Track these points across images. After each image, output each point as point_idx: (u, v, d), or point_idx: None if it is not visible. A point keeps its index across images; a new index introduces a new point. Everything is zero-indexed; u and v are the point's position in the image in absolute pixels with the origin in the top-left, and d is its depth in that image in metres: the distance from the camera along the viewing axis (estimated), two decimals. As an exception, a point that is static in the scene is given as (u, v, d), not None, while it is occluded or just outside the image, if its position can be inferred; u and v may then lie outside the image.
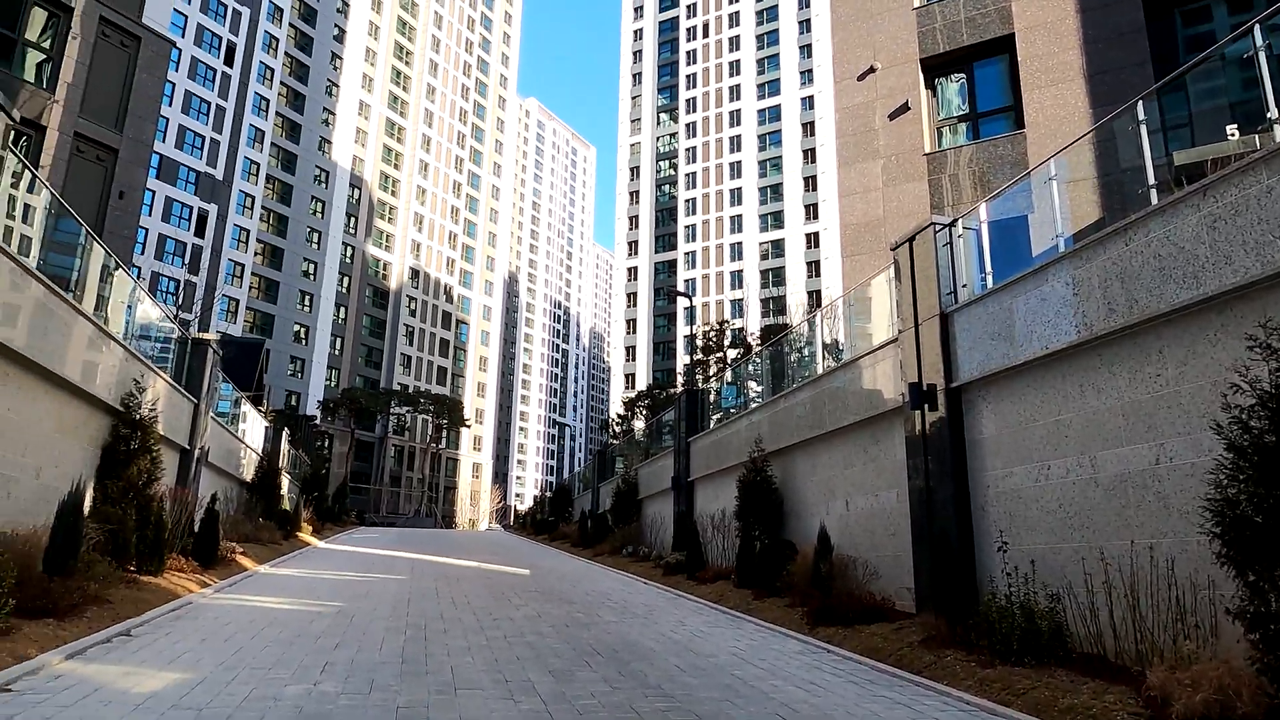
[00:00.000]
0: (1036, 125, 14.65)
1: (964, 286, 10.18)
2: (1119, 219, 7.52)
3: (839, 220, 17.31)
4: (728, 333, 59.55)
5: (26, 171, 10.39)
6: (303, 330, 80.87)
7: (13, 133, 8.77)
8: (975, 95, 16.20)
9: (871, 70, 16.79)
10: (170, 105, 65.02)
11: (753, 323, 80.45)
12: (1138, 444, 7.15)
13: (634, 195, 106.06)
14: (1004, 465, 8.96)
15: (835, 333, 15.75)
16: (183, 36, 67.43)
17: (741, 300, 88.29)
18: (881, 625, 9.55)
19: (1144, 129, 8.54)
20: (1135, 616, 6.63)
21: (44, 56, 19.27)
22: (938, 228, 10.59)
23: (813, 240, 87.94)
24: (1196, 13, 14.86)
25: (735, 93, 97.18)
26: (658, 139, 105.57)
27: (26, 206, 10.49)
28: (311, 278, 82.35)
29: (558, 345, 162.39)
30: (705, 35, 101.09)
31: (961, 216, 10.66)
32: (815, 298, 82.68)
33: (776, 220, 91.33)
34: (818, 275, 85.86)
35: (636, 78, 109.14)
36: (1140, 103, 8.27)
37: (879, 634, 9.19)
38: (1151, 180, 8.48)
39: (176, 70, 66.02)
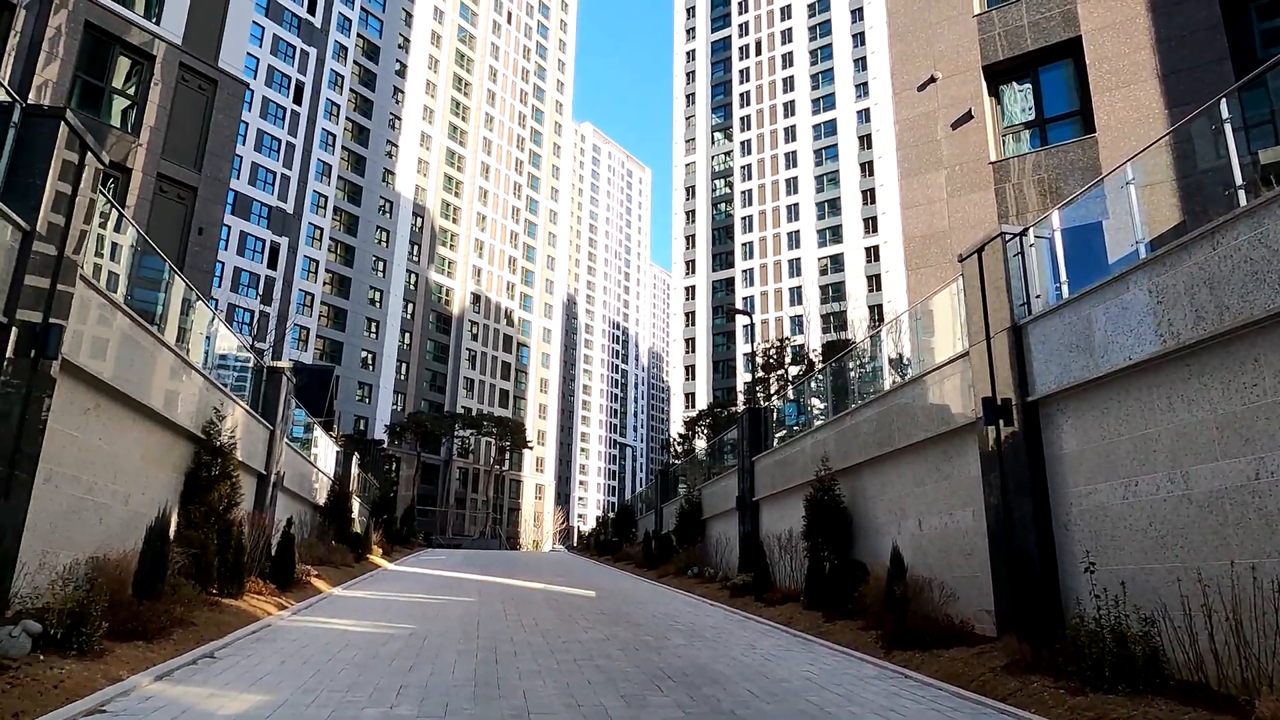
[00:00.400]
0: (1108, 129, 14.18)
1: (1037, 297, 9.87)
2: (1202, 223, 7.19)
3: (902, 233, 17.01)
4: (788, 350, 58.95)
5: (114, 212, 10.93)
6: (369, 356, 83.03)
7: (101, 175, 9.24)
8: (1041, 101, 15.78)
9: (932, 80, 16.52)
10: (244, 143, 67.93)
11: (813, 339, 79.47)
12: (1234, 458, 6.78)
13: (690, 214, 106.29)
14: (1087, 482, 8.60)
15: (900, 347, 15.43)
16: (255, 78, 70.48)
17: (801, 316, 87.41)
18: (961, 649, 9.22)
19: (1228, 128, 8.17)
20: (1239, 642, 6.24)
21: (128, 102, 20.34)
22: (1007, 237, 10.30)
23: (872, 254, 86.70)
24: (1273, 6, 14.26)
25: (790, 109, 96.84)
26: (713, 158, 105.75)
27: (114, 244, 11.03)
28: (377, 305, 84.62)
29: (617, 366, 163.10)
30: (758, 53, 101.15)
31: (1032, 225, 10.35)
32: (877, 312, 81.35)
33: (835, 235, 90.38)
34: (878, 289, 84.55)
35: (690, 98, 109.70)
36: (1223, 101, 7.91)
37: (959, 659, 8.87)
38: (1238, 180, 8.10)
39: (249, 110, 68.98)
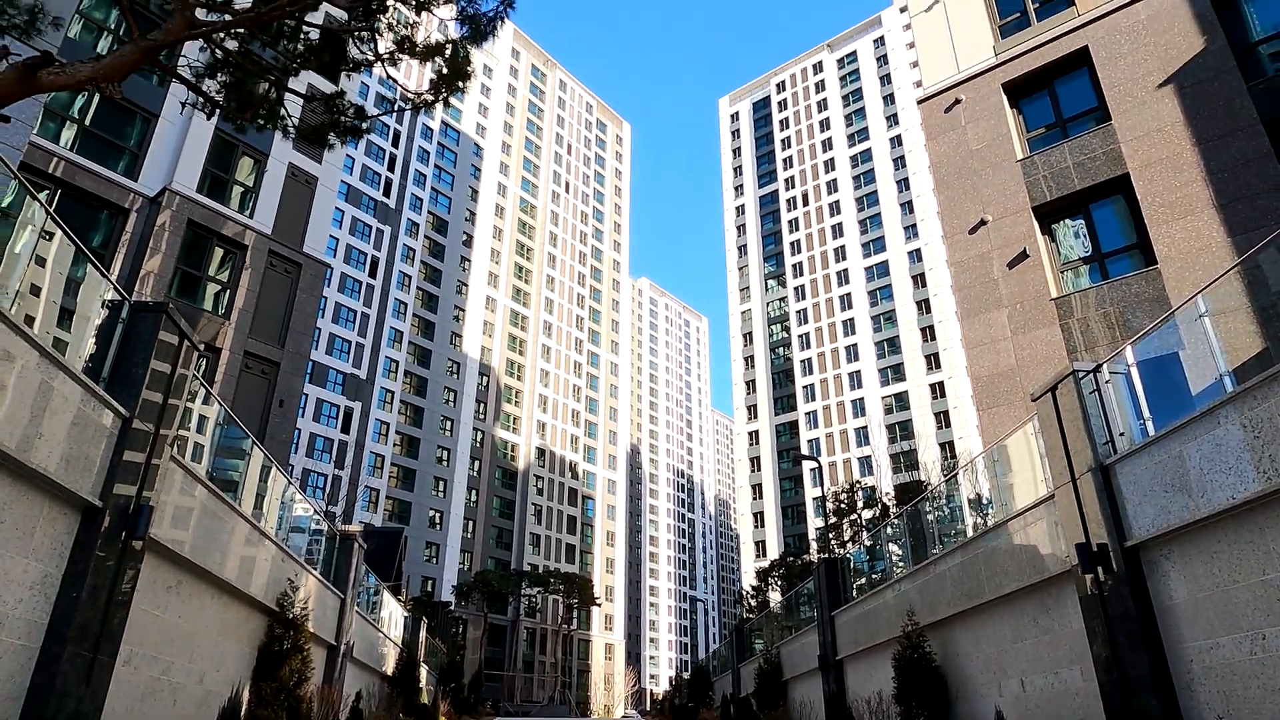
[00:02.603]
0: (1170, 260, 14.06)
1: (1121, 435, 9.49)
2: (1290, 352, 6.93)
3: (969, 373, 16.78)
4: (859, 493, 57.23)
5: (202, 390, 11.57)
6: (437, 515, 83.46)
7: (196, 357, 9.87)
8: (1096, 236, 15.83)
9: (983, 223, 16.80)
10: (323, 317, 72.17)
11: (884, 480, 77.19)
12: (1372, 607, 6.18)
13: (749, 360, 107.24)
14: (1206, 635, 7.89)
15: (979, 488, 14.85)
16: (335, 256, 75.80)
17: (869, 457, 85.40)
18: (1088, 834, 8.23)
19: (1299, 256, 8.02)
20: None
21: (220, 287, 21.99)
22: (1080, 374, 10.06)
23: (937, 390, 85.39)
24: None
25: (841, 253, 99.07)
26: (768, 304, 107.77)
27: (201, 417, 11.60)
28: (445, 464, 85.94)
29: (683, 515, 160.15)
30: (805, 204, 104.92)
31: (1105, 361, 10.11)
32: (948, 449, 79.05)
33: (897, 373, 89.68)
34: (947, 425, 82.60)
35: (742, 249, 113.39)
36: (1289, 231, 7.82)
37: (1087, 845, 7.90)
38: (1320, 308, 7.85)
39: (329, 286, 73.76)
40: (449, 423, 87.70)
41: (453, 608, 71.44)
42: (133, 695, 8.82)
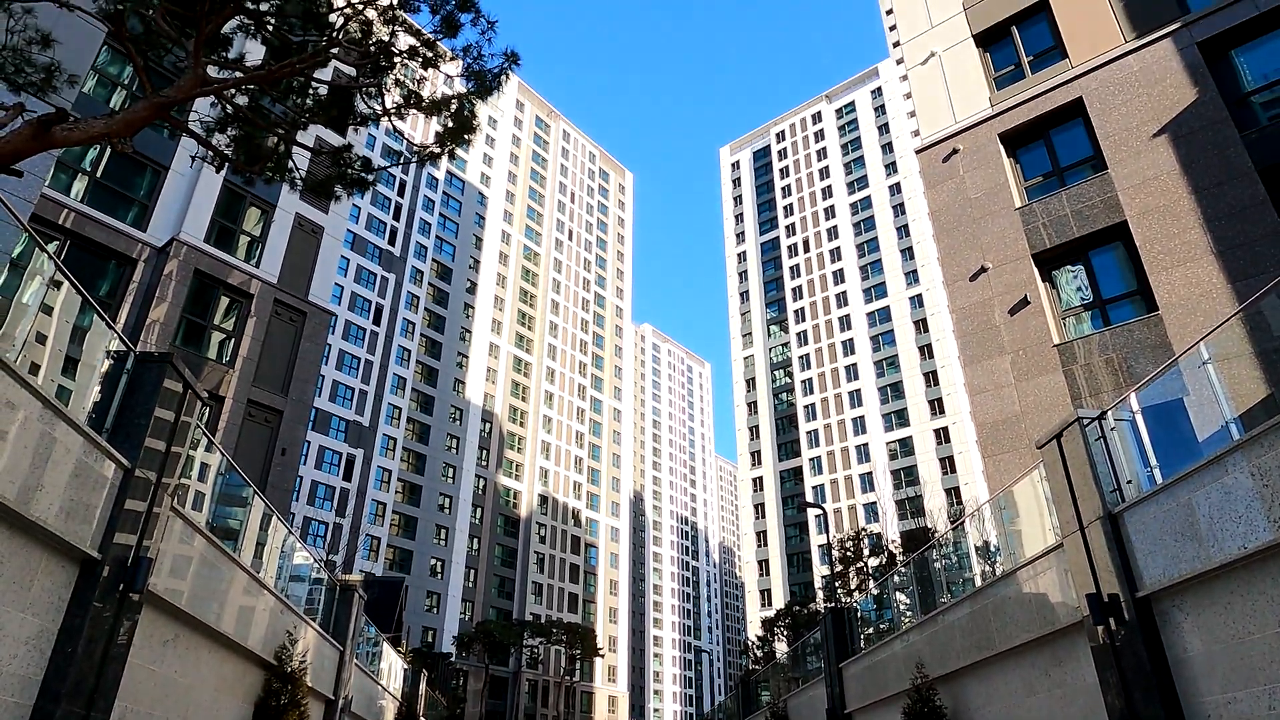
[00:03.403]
0: (1171, 306, 14.10)
1: (1129, 483, 9.41)
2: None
3: (973, 419, 16.72)
4: (864, 540, 56.58)
5: (204, 438, 11.54)
6: (438, 564, 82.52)
7: (199, 406, 9.87)
8: (1097, 282, 15.91)
9: (983, 270, 16.90)
10: (326, 364, 72.33)
11: (890, 527, 76.37)
12: (1391, 660, 6.05)
13: (752, 406, 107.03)
14: (1223, 690, 7.71)
15: (986, 535, 14.67)
16: (339, 303, 76.28)
17: (875, 503, 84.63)
18: None
19: (1301, 304, 8.04)
20: None
21: (224, 335, 22.10)
22: (1085, 422, 10.02)
23: (942, 435, 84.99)
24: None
25: (842, 299, 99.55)
26: (770, 350, 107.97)
27: (203, 465, 11.55)
28: (447, 511, 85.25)
29: (687, 563, 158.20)
30: (806, 250, 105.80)
31: (1110, 408, 10.07)
32: (954, 495, 78.39)
33: (901, 418, 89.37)
34: (952, 471, 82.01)
35: (744, 295, 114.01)
36: (1289, 278, 7.86)
37: None
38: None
39: (333, 333, 74.10)
40: (451, 469, 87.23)
41: (453, 659, 70.19)
42: (126, 753, 8.63)
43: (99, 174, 20.07)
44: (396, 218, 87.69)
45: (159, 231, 20.92)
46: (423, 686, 30.62)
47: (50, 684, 7.34)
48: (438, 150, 10.08)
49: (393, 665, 26.51)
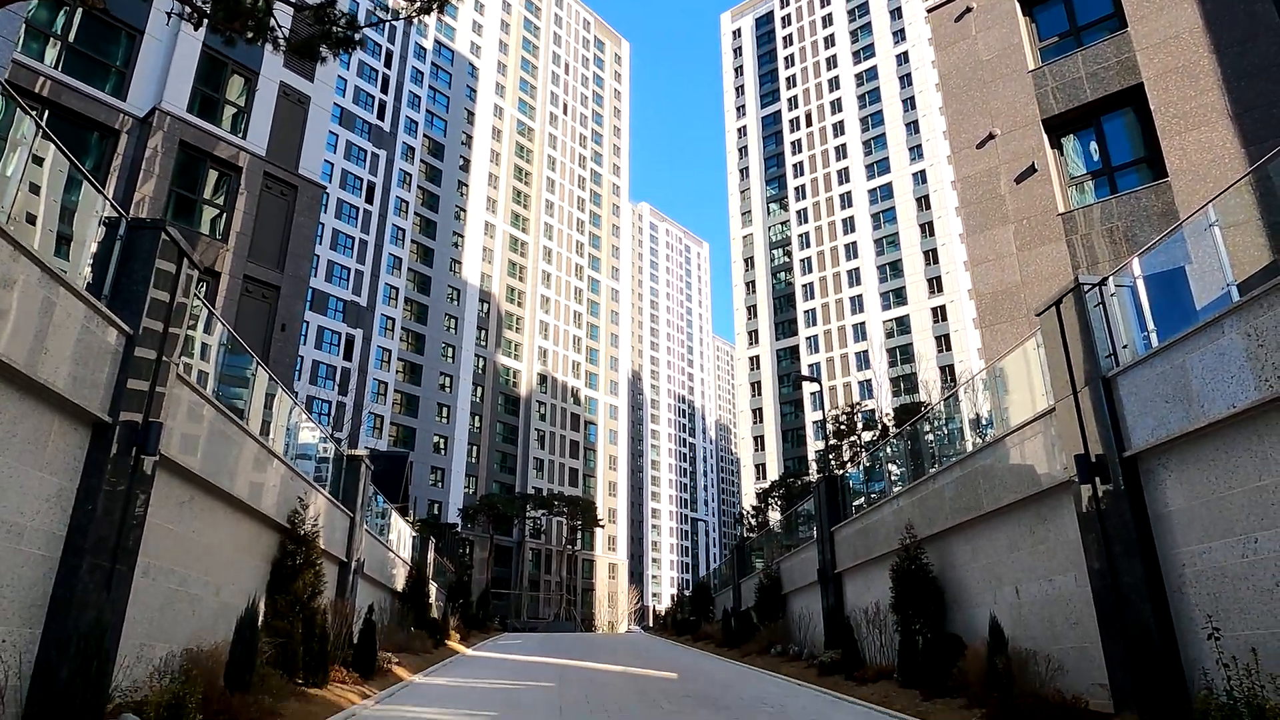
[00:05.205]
0: (1181, 172, 13.82)
1: (1124, 348, 9.50)
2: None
3: (973, 290, 16.71)
4: (859, 415, 57.78)
5: (205, 312, 11.55)
6: (442, 441, 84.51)
7: (195, 280, 9.80)
8: (1107, 149, 15.52)
9: (991, 137, 16.45)
10: (320, 242, 71.51)
11: (884, 403, 77.82)
12: (1365, 508, 6.28)
13: (750, 285, 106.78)
14: (1200, 540, 8.06)
15: (979, 407, 14.96)
16: (330, 181, 74.64)
17: (870, 381, 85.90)
18: (1076, 728, 8.59)
19: (1315, 162, 7.87)
20: (1397, 713, 5.66)
21: (217, 210, 21.72)
22: (1085, 288, 10.02)
23: (939, 314, 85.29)
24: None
25: (844, 175, 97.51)
26: (769, 228, 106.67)
27: (204, 344, 11.61)
28: (448, 390, 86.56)
29: (684, 440, 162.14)
30: (808, 124, 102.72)
31: (1111, 274, 10.04)
32: (948, 373, 79.48)
33: (899, 297, 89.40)
34: (948, 349, 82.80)
35: (744, 172, 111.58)
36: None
37: (1075, 738, 8.25)
38: (1332, 215, 7.74)
39: (325, 211, 72.87)
40: (451, 349, 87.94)
41: (459, 530, 73.03)
42: (153, 605, 9.08)
43: (72, 39, 19.15)
44: (385, 91, 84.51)
45: (140, 101, 20.18)
46: (431, 553, 31.96)
47: (74, 539, 7.63)
48: (426, 4, 9.57)
49: (401, 534, 27.58)
